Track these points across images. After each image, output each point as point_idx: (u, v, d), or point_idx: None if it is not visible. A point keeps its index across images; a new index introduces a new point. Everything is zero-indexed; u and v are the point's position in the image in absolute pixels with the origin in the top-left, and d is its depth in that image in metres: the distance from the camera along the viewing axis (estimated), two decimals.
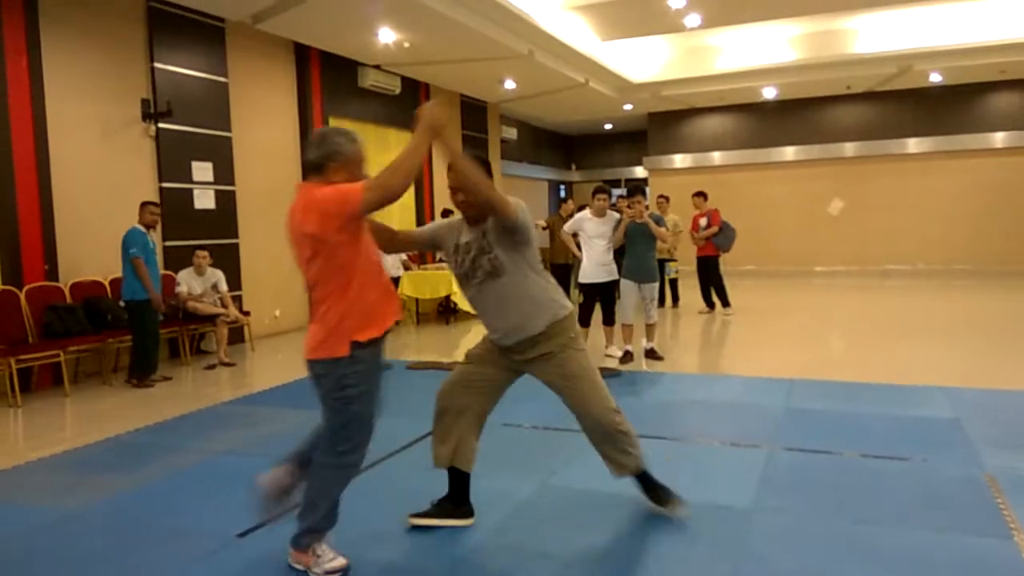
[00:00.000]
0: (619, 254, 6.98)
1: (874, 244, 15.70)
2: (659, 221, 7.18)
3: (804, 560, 2.89)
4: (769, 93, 15.14)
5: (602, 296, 7.06)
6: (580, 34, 10.56)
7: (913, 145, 15.38)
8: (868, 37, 12.36)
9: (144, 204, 6.57)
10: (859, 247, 15.81)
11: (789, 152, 16.48)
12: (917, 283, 13.52)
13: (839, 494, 3.55)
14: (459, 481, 3.26)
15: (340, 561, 2.84)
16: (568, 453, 4.14)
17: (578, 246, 7.10)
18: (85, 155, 7.12)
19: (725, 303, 10.06)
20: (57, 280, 6.79)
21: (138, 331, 6.57)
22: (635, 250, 6.99)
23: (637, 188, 7.09)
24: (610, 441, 3.13)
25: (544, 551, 3.02)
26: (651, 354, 7.15)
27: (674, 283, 10.92)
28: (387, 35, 9.17)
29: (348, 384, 2.71)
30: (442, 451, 3.20)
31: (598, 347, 7.28)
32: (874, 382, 5.81)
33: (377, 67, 10.89)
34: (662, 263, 10.76)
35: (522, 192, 17.52)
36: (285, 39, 9.49)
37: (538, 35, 9.76)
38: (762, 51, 13.10)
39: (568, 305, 3.16)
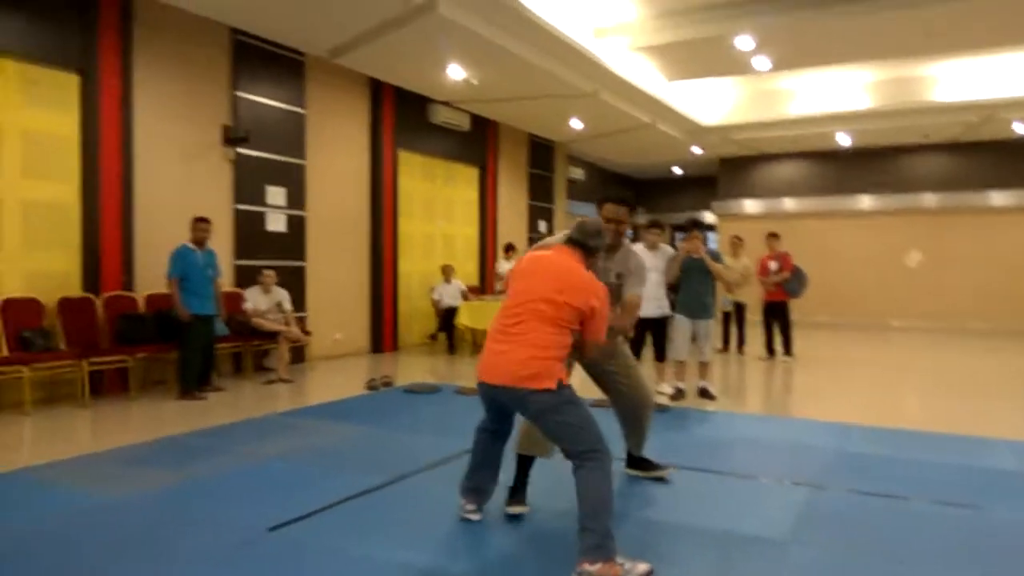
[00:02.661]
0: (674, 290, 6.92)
1: (954, 299, 15.03)
2: (716, 257, 7.09)
3: None
4: (843, 140, 14.85)
5: (653, 331, 6.98)
6: (646, 74, 10.64)
7: (996, 198, 14.77)
8: (948, 85, 12.02)
9: (194, 220, 6.87)
10: (938, 301, 15.16)
11: (865, 201, 16.05)
12: (999, 342, 12.83)
13: (880, 534, 3.39)
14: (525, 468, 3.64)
15: (643, 566, 2.84)
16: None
17: None
18: (167, 175, 7.55)
19: (788, 351, 9.77)
20: (132, 291, 7.16)
21: (180, 345, 6.81)
22: (690, 286, 6.91)
23: (694, 223, 7.04)
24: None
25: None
26: (704, 393, 7.00)
27: (741, 324, 10.67)
28: (455, 72, 9.46)
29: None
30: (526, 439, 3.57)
31: (650, 384, 7.17)
32: (936, 431, 5.54)
33: (447, 104, 11.21)
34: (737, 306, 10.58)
35: None
36: (361, 74, 9.90)
37: (603, 74, 9.89)
38: (836, 97, 12.89)
39: None
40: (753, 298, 10.53)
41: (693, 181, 19.87)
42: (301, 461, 4.49)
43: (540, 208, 14.67)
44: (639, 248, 6.94)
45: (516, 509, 3.53)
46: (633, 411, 4.01)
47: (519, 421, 3.43)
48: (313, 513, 3.53)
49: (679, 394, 6.89)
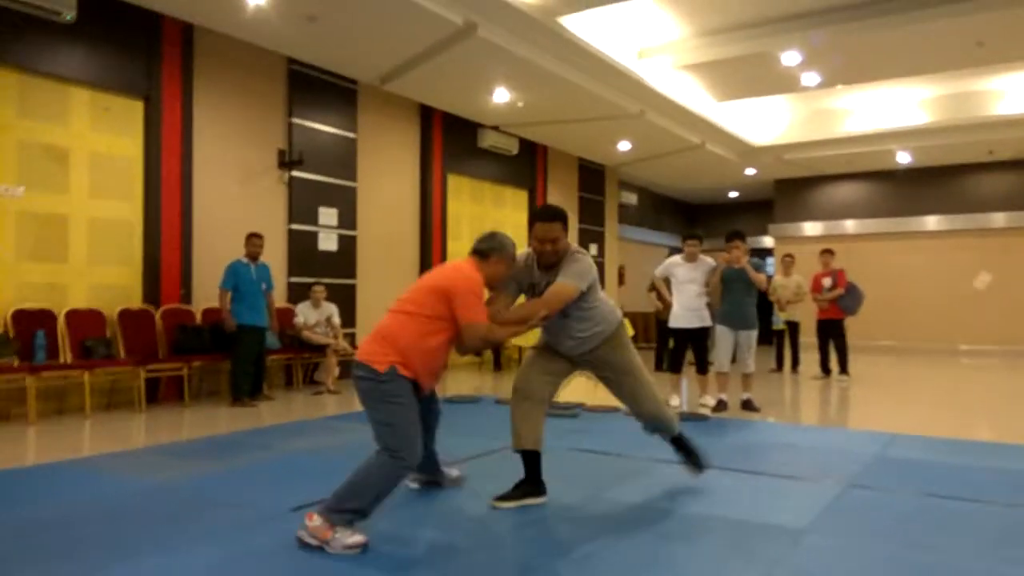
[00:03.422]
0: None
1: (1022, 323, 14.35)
2: (759, 267, 7.02)
3: (839, 574, 2.71)
4: (903, 158, 14.48)
5: (694, 343, 6.93)
6: (693, 94, 10.67)
7: None
8: (1012, 98, 11.65)
9: (248, 236, 7.20)
10: (1008, 325, 14.49)
11: (930, 222, 15.54)
12: None
13: (905, 526, 3.29)
14: (534, 462, 3.62)
15: (359, 537, 2.90)
16: (623, 474, 4.09)
17: (670, 291, 7.06)
18: (224, 195, 7.95)
19: (843, 369, 9.50)
20: (190, 304, 7.52)
21: (232, 354, 7.07)
22: (732, 296, 6.84)
23: (736, 233, 6.99)
24: (664, 422, 3.83)
25: (587, 552, 3.01)
26: (747, 405, 6.87)
27: (795, 343, 10.44)
28: (501, 95, 9.70)
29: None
30: (528, 434, 3.56)
31: (692, 397, 7.10)
32: (987, 440, 5.31)
33: (496, 128, 11.46)
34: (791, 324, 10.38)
35: (640, 256, 17.53)
36: (411, 100, 10.24)
37: (649, 94, 9.97)
38: (893, 113, 12.62)
39: (616, 319, 3.72)
40: (807, 316, 10.31)
41: (749, 204, 19.62)
42: (332, 455, 4.63)
43: (591, 232, 14.72)
44: (676, 259, 6.96)
45: (530, 501, 3.57)
46: (639, 419, 3.83)
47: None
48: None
49: (721, 406, 6.79)
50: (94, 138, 6.89)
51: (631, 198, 16.80)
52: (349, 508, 2.92)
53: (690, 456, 3.96)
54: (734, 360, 6.93)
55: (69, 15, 6.08)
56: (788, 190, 16.95)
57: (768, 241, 17.85)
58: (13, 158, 6.36)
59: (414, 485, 3.80)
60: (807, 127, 13.46)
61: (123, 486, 3.97)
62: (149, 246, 7.25)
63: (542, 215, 3.44)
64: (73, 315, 6.59)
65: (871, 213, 16.13)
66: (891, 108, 12.59)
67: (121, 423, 6.11)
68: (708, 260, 6.90)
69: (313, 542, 2.90)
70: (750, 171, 15.57)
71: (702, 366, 7.03)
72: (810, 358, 10.22)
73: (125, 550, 2.91)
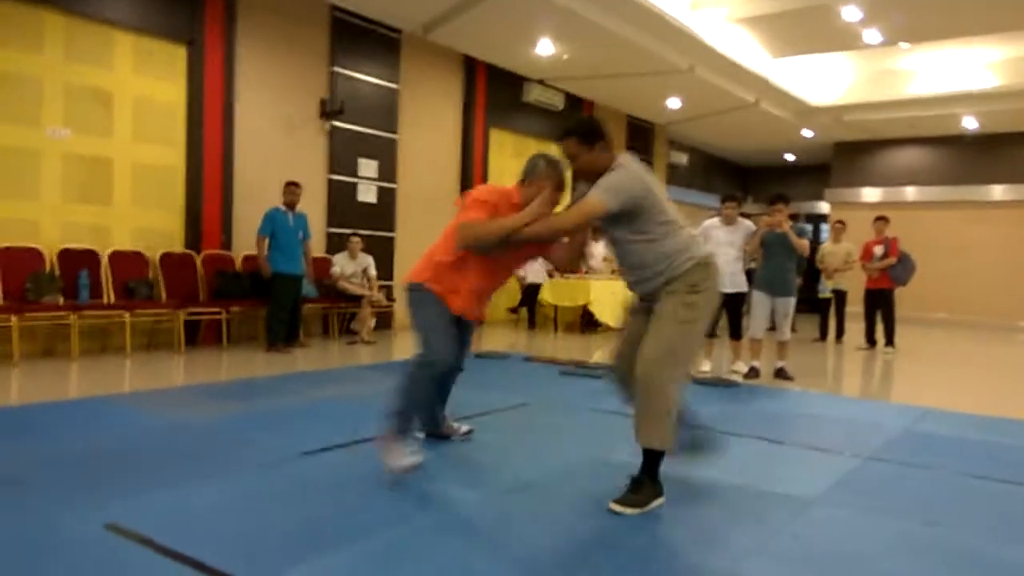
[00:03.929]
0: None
1: None
2: (801, 232, 6.80)
3: (843, 545, 2.65)
4: (969, 124, 13.77)
5: (729, 308, 6.78)
6: (747, 49, 10.28)
7: None
8: None
9: (286, 184, 7.25)
10: None
11: (997, 191, 14.83)
12: None
13: (921, 502, 3.19)
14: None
15: (410, 460, 3.20)
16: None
17: None
18: (266, 143, 8.02)
19: (889, 341, 9.21)
20: (230, 250, 7.66)
21: (269, 301, 7.19)
22: (771, 261, 6.66)
23: (779, 197, 6.77)
24: (645, 396, 2.89)
25: (587, 510, 3.01)
26: (780, 374, 6.72)
27: (841, 312, 10.16)
28: (546, 47, 9.49)
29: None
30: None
31: (724, 361, 7.00)
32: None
33: (541, 82, 11.26)
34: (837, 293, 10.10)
35: (689, 218, 17.04)
36: (455, 52, 10.11)
37: (700, 48, 9.63)
38: (959, 77, 11.97)
39: (685, 257, 2.96)
40: (855, 285, 10.00)
41: (806, 168, 18.98)
42: (354, 403, 4.71)
43: None
44: (714, 222, 6.79)
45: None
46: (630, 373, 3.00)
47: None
48: (346, 444, 3.70)
49: (753, 373, 6.67)
50: (138, 82, 6.99)
51: (681, 158, 16.41)
52: (393, 412, 3.25)
53: (638, 486, 2.93)
54: (772, 327, 6.79)
55: None
56: (847, 153, 16.33)
57: (824, 207, 17.29)
58: (60, 100, 6.50)
59: (420, 435, 3.84)
60: (869, 88, 12.89)
61: (148, 422, 4.12)
62: (191, 191, 7.38)
63: (559, 134, 3.14)
64: (116, 256, 6.78)
65: (933, 180, 15.45)
66: (958, 70, 11.94)
67: (159, 364, 6.31)
68: (746, 223, 6.72)
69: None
70: (807, 132, 15.03)
71: (736, 331, 6.91)
72: (856, 328, 9.94)
73: (138, 485, 3.02)
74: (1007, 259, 14.57)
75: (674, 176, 16.35)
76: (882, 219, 9.66)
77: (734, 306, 6.78)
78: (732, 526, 2.82)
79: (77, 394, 5.01)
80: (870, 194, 16.12)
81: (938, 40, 10.57)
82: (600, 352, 8.11)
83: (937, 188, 15.40)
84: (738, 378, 6.58)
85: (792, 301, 6.71)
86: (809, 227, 8.77)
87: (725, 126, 14.18)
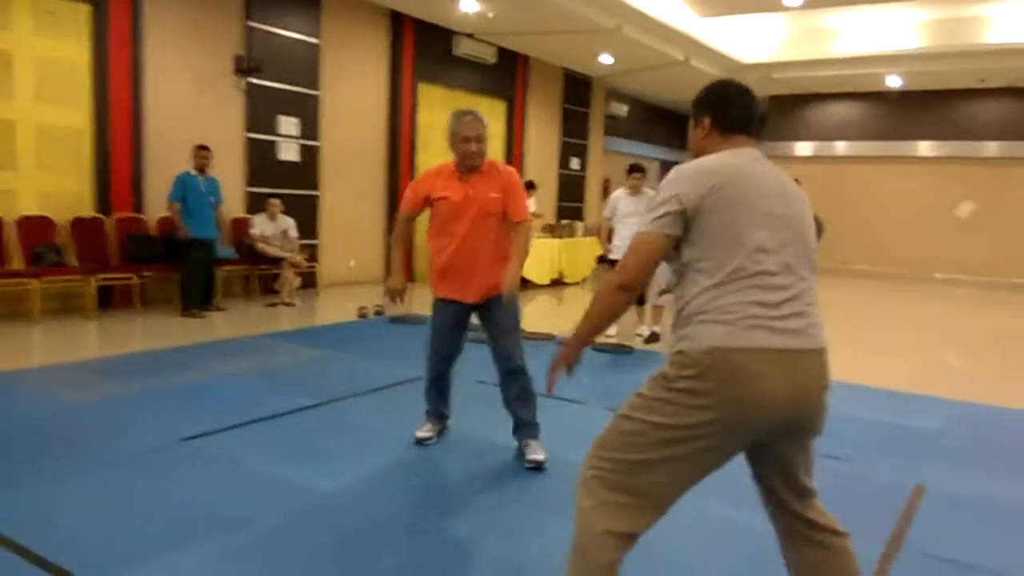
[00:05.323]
0: None
1: (1004, 254, 14.37)
2: None
3: None
4: (893, 82, 14.11)
5: None
6: (674, 10, 10.34)
7: None
8: (1005, 26, 11.24)
9: (195, 148, 7.23)
10: (987, 256, 14.53)
11: (921, 147, 15.32)
12: None
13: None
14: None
15: (422, 432, 3.79)
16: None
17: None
18: (178, 103, 7.89)
19: None
20: (142, 213, 7.62)
21: (182, 265, 7.25)
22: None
23: (635, 167, 6.94)
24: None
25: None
26: (653, 338, 7.08)
27: None
28: (470, 4, 9.41)
29: None
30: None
31: (629, 326, 7.29)
32: (918, 393, 5.47)
33: (471, 36, 11.16)
34: None
35: None
36: (380, 6, 9.95)
37: (624, 8, 9.66)
38: (884, 37, 12.22)
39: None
40: None
41: None
42: (248, 380, 4.86)
43: (574, 145, 14.57)
44: (621, 192, 6.98)
45: None
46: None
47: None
48: (229, 428, 3.88)
49: (654, 337, 7.00)
50: (39, 43, 6.81)
51: (621, 109, 16.49)
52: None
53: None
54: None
55: None
56: (781, 107, 16.59)
57: None
58: None
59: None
60: (797, 47, 13.08)
61: (31, 407, 4.17)
62: (99, 154, 7.28)
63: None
64: (24, 222, 6.72)
65: (862, 135, 15.87)
66: (883, 31, 12.18)
67: (68, 331, 6.35)
68: (649, 192, 6.92)
69: None
70: None
71: (640, 297, 7.19)
72: None
73: (1, 480, 3.14)
74: (924, 212, 15.17)
75: (614, 127, 16.45)
76: (794, 181, 9.94)
77: None
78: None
79: None
80: (803, 148, 16.48)
81: (863, 3, 10.74)
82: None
83: (865, 143, 15.84)
84: (639, 342, 6.90)
85: None
86: None
87: (660, 80, 14.29)
